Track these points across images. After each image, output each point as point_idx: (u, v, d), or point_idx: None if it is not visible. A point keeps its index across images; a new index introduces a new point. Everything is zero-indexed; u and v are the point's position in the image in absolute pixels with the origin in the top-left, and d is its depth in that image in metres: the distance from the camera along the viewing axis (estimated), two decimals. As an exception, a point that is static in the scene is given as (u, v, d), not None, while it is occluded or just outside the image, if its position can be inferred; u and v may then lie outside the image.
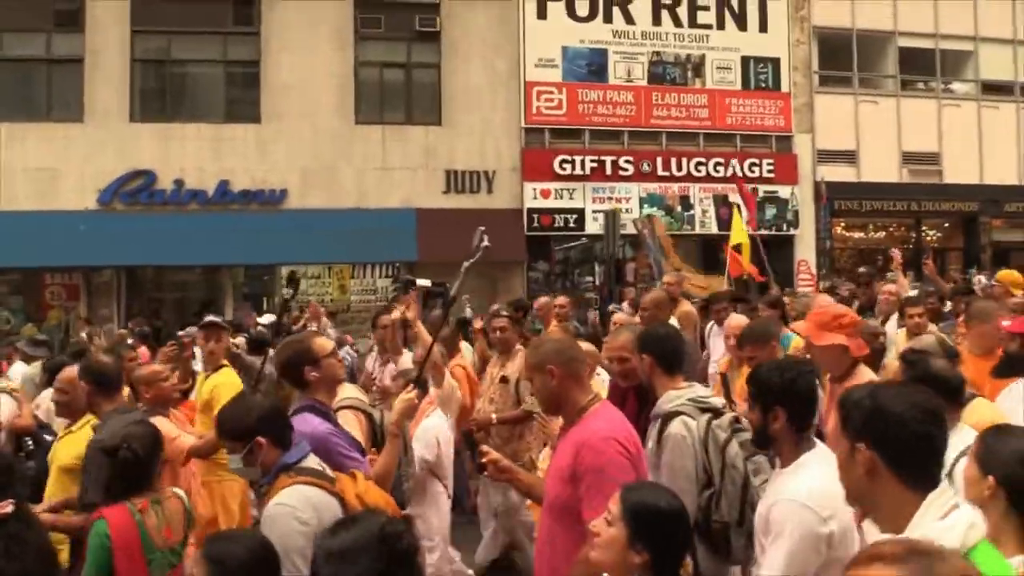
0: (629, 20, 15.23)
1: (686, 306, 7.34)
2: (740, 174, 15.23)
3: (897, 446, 1.68)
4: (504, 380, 5.41)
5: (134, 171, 13.46)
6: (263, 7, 13.91)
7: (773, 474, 2.62)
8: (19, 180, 13.13)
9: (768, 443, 2.56)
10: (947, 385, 2.80)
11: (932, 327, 5.95)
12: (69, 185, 13.26)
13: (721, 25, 15.63)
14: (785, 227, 15.73)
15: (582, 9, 15.06)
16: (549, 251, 15.07)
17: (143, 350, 7.53)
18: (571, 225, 14.82)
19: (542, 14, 14.89)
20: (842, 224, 16.91)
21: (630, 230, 13.48)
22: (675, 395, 3.17)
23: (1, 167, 13.08)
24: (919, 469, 1.69)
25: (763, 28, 15.82)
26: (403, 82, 14.79)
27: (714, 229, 15.28)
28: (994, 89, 17.17)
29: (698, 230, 15.30)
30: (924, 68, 16.89)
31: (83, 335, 10.23)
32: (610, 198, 14.90)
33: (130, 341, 8.29)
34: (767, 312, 6.78)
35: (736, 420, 3.20)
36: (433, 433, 4.55)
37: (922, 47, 16.75)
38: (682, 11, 15.47)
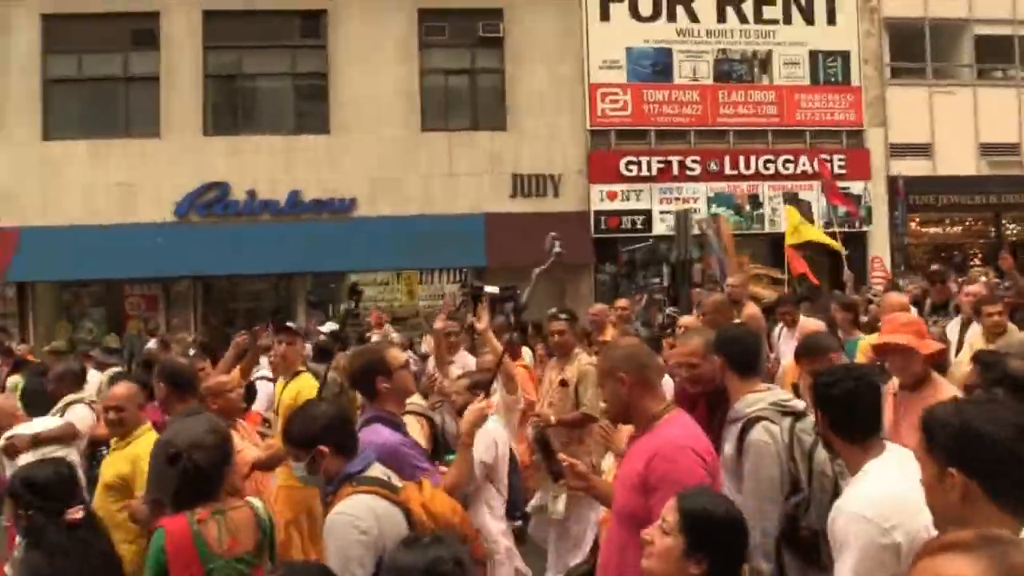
0: (693, 18, 15.03)
1: (751, 308, 7.10)
2: (811, 170, 14.93)
3: (992, 471, 1.57)
4: (564, 383, 5.32)
5: (209, 183, 13.79)
6: (330, 21, 14.14)
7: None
8: (100, 195, 13.57)
9: (830, 448, 2.56)
10: None
11: (1012, 326, 5.58)
12: (147, 199, 13.66)
13: (788, 19, 15.31)
14: (858, 223, 15.31)
15: (645, 9, 14.91)
16: (617, 253, 14.93)
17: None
18: (638, 227, 14.68)
19: (605, 16, 14.79)
20: (917, 219, 16.38)
21: (696, 230, 13.28)
22: (755, 399, 3.05)
23: (84, 183, 13.52)
24: (1019, 492, 1.57)
25: (831, 21, 15.45)
26: (468, 88, 14.88)
27: (782, 228, 14.96)
28: (1077, 75, 16.45)
29: (768, 229, 14.97)
30: (1002, 56, 16.26)
31: (152, 345, 10.40)
32: (677, 198, 14.71)
33: (192, 352, 8.38)
34: (840, 314, 6.64)
35: None
36: (492, 436, 4.36)
37: (1000, 34, 16.14)
38: (747, 7, 15.20)
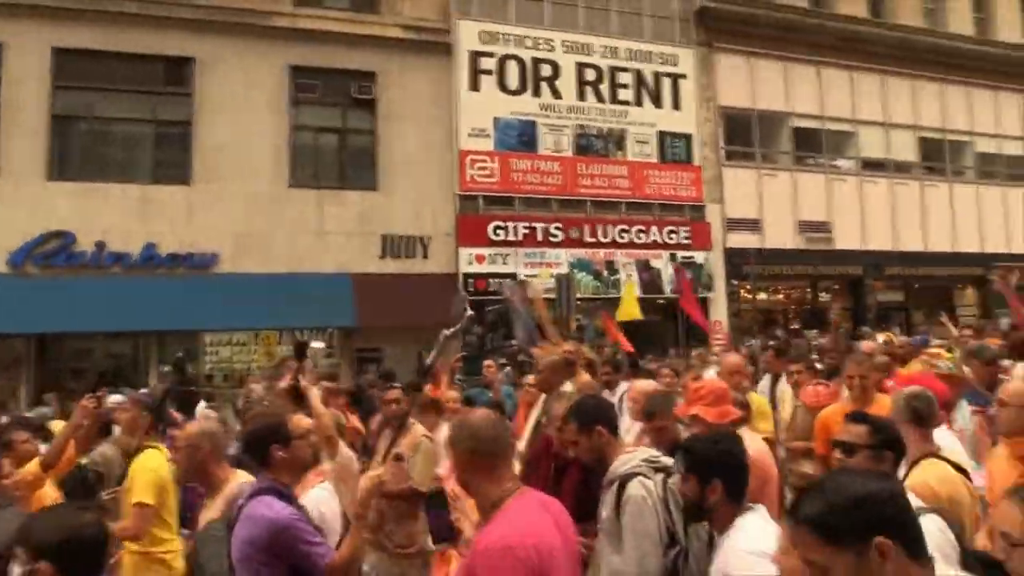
0: (556, 95, 16.05)
1: (584, 376, 6.79)
2: (660, 240, 16.25)
3: (903, 526, 1.49)
4: (398, 457, 4.93)
5: (51, 232, 12.70)
6: (197, 69, 13.67)
7: (717, 546, 2.67)
8: (-83, 241, 12.10)
9: (702, 516, 2.62)
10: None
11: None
12: (-25, 247, 12.33)
13: (639, 102, 16.74)
14: (701, 290, 16.76)
15: (512, 83, 15.74)
16: (483, 315, 15.28)
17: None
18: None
19: (475, 86, 15.43)
20: (747, 287, 18.17)
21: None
22: (627, 458, 3.13)
23: None
24: (921, 543, 1.52)
25: (676, 106, 17.07)
26: (338, 147, 14.84)
27: (638, 292, 16.10)
28: (872, 166, 19.18)
29: (622, 293, 15.98)
30: (813, 145, 18.68)
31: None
32: (541, 263, 15.41)
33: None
34: (668, 379, 7.25)
35: None
36: (315, 504, 4.05)
37: (812, 127, 18.57)
38: (604, 88, 16.47)
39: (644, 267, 16.08)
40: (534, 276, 15.26)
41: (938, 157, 20.03)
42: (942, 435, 3.70)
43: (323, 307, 13.68)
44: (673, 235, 16.58)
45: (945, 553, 2.32)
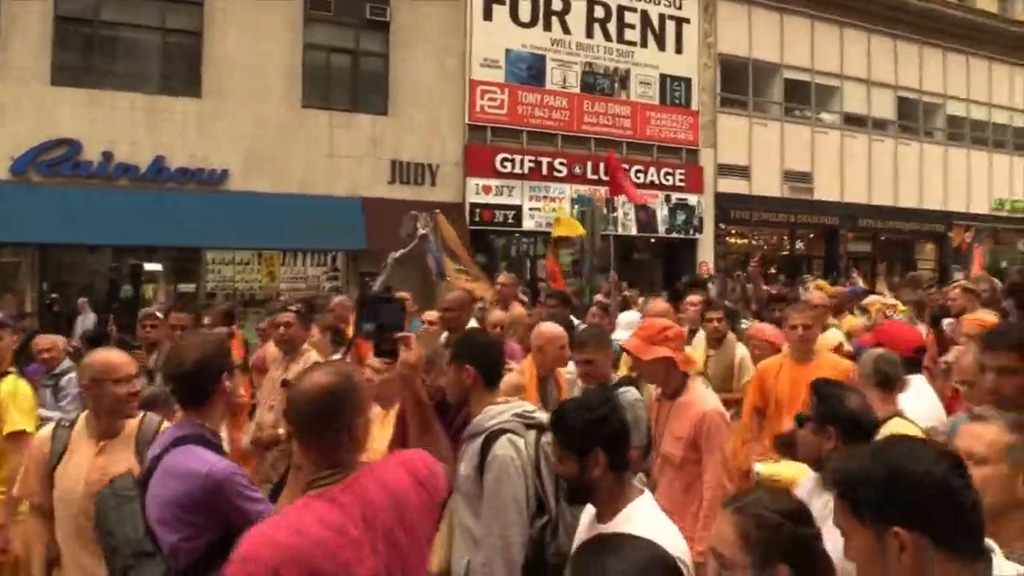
0: (566, 30, 16.07)
1: (518, 309, 6.54)
2: (657, 181, 16.68)
3: (932, 515, 1.32)
4: (286, 384, 4.47)
5: (56, 140, 12.24)
6: (208, -24, 13.18)
7: (584, 531, 2.26)
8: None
9: (588, 496, 2.20)
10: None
11: (732, 335, 5.52)
12: (-27, 150, 11.81)
13: (644, 43, 16.91)
14: (691, 231, 17.33)
15: (524, 15, 15.68)
16: (490, 245, 15.53)
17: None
18: (510, 221, 15.39)
19: (488, 15, 15.32)
20: (733, 231, 18.85)
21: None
22: (497, 410, 2.70)
23: None
24: (959, 532, 1.34)
25: (679, 50, 17.32)
26: (350, 69, 14.59)
27: (633, 231, 16.60)
28: (853, 121, 19.93)
29: (620, 231, 16.39)
30: (802, 97, 19.26)
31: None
32: (545, 196, 15.66)
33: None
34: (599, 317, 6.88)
35: None
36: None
37: (802, 79, 19.11)
38: (612, 27, 16.56)
39: (641, 207, 16.47)
40: (538, 209, 15.56)
41: (913, 117, 20.93)
42: (919, 391, 3.59)
43: (334, 230, 13.65)
44: (669, 177, 17.01)
45: None
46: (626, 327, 5.40)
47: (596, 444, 2.12)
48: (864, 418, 2.44)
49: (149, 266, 13.88)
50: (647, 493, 2.22)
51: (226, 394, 2.51)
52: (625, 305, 8.63)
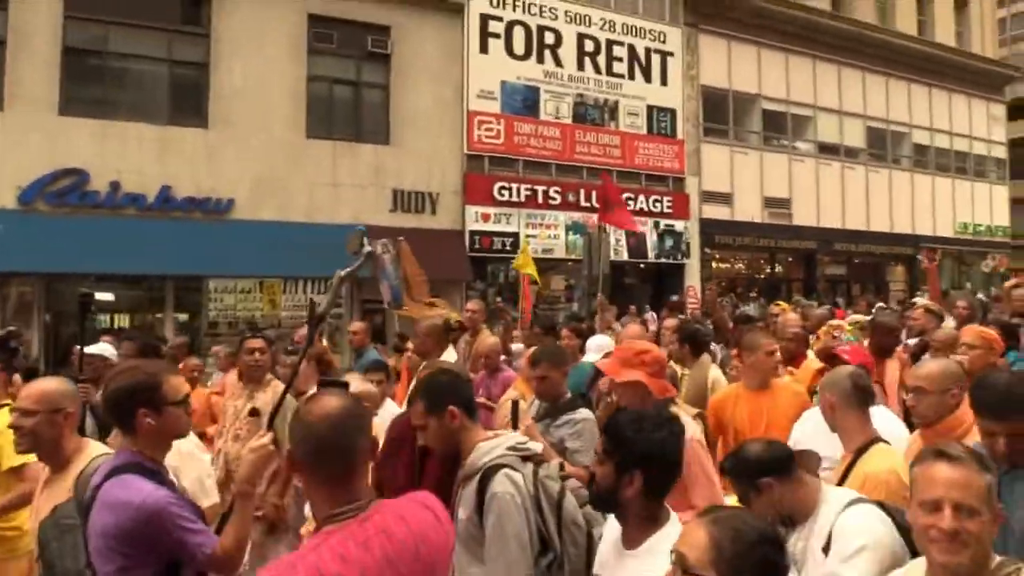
0: (558, 63, 16.64)
1: (489, 336, 6.38)
2: (646, 208, 17.24)
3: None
4: (254, 412, 4.55)
5: (64, 169, 12.29)
6: (214, 9, 13.41)
7: (608, 552, 2.22)
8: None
9: (613, 511, 2.14)
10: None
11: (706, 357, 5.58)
12: (-20, 180, 11.81)
13: (632, 76, 17.57)
14: (679, 256, 17.91)
15: (519, 48, 16.20)
16: (487, 272, 15.87)
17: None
18: (507, 248, 15.75)
19: (484, 48, 15.80)
20: (717, 256, 19.49)
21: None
22: (489, 445, 2.55)
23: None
24: None
25: (664, 82, 18.01)
26: (352, 99, 14.90)
27: (624, 256, 17.10)
28: (827, 149, 20.85)
29: (613, 257, 16.88)
30: (780, 127, 20.11)
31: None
32: (541, 224, 16.10)
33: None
34: (570, 340, 6.36)
35: (563, 466, 2.86)
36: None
37: (779, 110, 19.97)
38: (601, 59, 17.19)
39: (631, 233, 16.98)
40: (534, 236, 15.97)
41: (881, 145, 21.97)
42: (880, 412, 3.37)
43: (337, 257, 13.81)
44: (657, 204, 17.60)
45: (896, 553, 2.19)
46: (595, 350, 5.42)
47: (638, 467, 2.04)
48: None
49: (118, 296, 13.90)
50: (674, 518, 2.12)
51: (155, 426, 2.39)
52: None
